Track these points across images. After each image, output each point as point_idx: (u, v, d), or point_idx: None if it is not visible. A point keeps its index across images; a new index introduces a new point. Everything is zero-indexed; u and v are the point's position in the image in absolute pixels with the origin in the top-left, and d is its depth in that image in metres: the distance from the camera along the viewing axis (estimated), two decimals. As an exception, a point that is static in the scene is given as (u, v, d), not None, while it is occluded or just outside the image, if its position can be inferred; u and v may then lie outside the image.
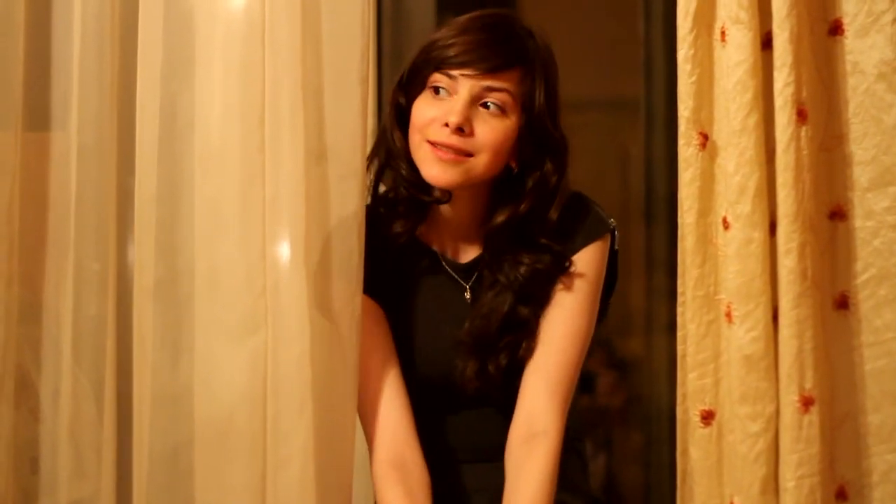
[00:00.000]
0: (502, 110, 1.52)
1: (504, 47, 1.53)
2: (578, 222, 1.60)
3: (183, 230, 1.50)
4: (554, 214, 1.57)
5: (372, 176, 1.61)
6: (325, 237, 1.49)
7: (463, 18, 1.58)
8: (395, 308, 1.61)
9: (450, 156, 1.51)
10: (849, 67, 1.64)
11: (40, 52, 1.59)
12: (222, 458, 1.47)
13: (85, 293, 1.57)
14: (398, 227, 1.59)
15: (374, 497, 1.55)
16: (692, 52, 1.67)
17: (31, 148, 1.59)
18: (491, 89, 1.51)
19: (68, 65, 1.57)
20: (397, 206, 1.60)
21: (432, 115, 1.52)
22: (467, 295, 1.61)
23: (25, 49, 1.57)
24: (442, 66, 1.52)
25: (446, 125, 1.50)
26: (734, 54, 1.61)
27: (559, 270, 1.58)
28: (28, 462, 1.60)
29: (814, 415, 1.59)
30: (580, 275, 1.58)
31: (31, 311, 1.59)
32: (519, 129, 1.54)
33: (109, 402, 1.56)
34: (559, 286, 1.58)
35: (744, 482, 1.63)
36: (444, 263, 1.62)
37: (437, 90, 1.53)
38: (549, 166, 1.57)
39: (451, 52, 1.52)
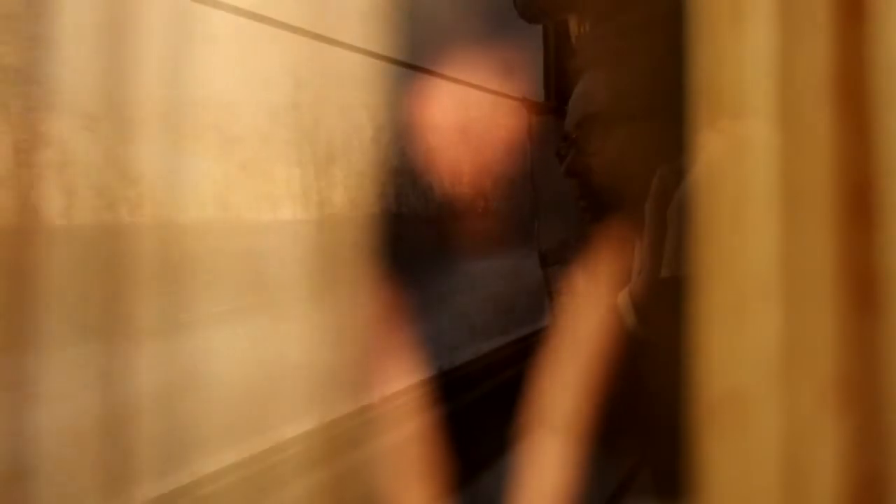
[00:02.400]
0: None
1: None
2: None
3: (184, 216, 1.49)
4: None
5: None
6: (332, 228, 1.48)
7: None
8: None
9: None
10: (878, 49, 1.61)
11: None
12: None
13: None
14: None
15: None
16: (710, 36, 1.66)
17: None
18: None
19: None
20: None
21: None
22: None
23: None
24: None
25: None
26: (756, 38, 1.59)
27: None
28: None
29: (838, 413, 1.57)
30: None
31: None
32: None
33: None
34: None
35: (763, 480, 1.62)
36: None
37: None
38: None
39: None
